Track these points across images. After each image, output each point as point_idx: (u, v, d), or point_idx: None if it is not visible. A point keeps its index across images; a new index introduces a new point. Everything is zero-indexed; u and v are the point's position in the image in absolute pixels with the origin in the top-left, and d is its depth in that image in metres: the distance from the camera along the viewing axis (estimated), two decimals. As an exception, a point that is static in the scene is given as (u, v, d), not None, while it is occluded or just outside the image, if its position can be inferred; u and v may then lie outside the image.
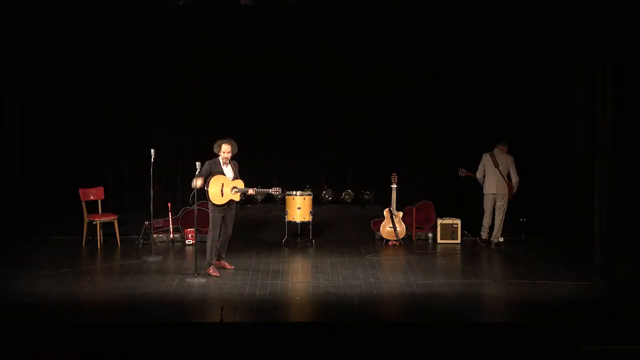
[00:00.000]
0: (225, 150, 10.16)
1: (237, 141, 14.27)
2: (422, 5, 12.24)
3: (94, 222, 11.63)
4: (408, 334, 7.95)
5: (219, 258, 10.35)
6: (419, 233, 12.45)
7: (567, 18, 11.31)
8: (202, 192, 13.15)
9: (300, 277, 10.14)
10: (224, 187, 10.08)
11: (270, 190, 10.54)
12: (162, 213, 12.17)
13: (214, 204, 10.10)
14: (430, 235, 12.40)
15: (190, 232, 11.95)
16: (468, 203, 12.42)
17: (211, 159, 10.27)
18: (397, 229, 11.96)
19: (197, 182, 9.96)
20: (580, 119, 11.86)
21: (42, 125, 12.55)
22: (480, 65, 12.99)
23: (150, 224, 11.64)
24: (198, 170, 10.04)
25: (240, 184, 10.24)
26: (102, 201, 11.86)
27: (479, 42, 12.88)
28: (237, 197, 10.21)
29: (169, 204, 12.18)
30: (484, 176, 11.85)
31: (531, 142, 12.90)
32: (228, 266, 10.38)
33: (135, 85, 13.30)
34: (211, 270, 10.04)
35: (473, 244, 12.06)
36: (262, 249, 11.63)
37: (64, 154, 13.02)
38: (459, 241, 12.12)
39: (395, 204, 11.97)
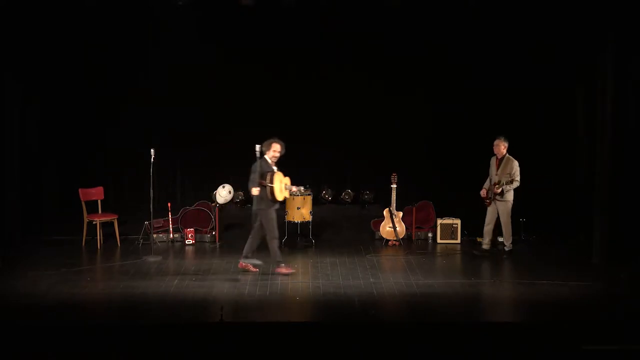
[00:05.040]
0: (276, 150, 10.07)
1: (238, 141, 14.34)
2: (422, 6, 12.26)
3: (94, 222, 11.63)
4: (408, 334, 7.95)
5: (246, 258, 10.21)
6: (419, 233, 12.44)
7: (567, 18, 11.30)
8: (196, 193, 13.26)
9: (300, 277, 10.14)
10: (282, 184, 10.05)
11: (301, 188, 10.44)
12: (162, 213, 12.16)
13: (271, 202, 9.93)
14: (430, 235, 12.38)
15: (190, 232, 11.95)
16: (468, 203, 12.42)
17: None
18: (397, 229, 11.96)
19: (254, 190, 9.89)
20: (580, 119, 11.86)
21: (43, 126, 12.55)
22: (479, 65, 12.99)
23: (150, 224, 11.64)
24: (259, 154, 9.89)
25: (288, 181, 10.20)
26: (102, 201, 11.86)
27: (478, 42, 12.89)
28: (287, 195, 10.22)
29: (169, 204, 12.17)
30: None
31: (531, 142, 12.89)
32: (252, 269, 10.25)
33: (135, 86, 13.32)
34: (284, 270, 10.03)
35: (473, 244, 12.02)
36: (262, 249, 11.61)
37: (64, 154, 13.03)
38: (459, 241, 12.12)
39: (395, 204, 11.97)
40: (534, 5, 11.59)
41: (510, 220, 11.12)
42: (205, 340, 7.80)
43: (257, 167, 9.90)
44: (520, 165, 11.71)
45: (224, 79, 13.37)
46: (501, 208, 11.09)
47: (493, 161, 11.23)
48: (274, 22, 12.87)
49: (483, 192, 11.27)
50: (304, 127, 13.63)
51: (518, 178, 10.95)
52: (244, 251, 10.22)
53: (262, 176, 9.88)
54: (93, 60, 12.95)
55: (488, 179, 11.26)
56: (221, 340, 7.76)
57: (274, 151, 10.06)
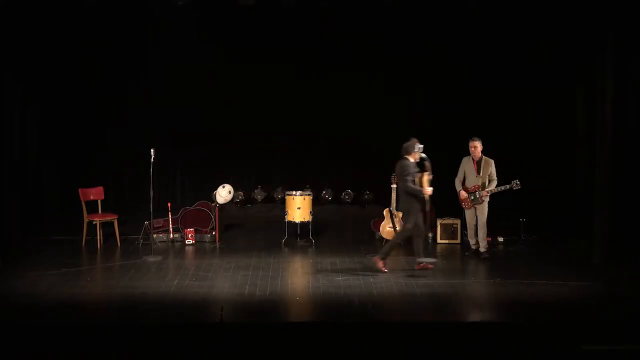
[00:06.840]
0: (420, 151, 10.20)
1: (239, 141, 14.35)
2: (422, 6, 12.26)
3: (94, 222, 11.62)
4: (408, 334, 7.95)
5: (385, 256, 10.25)
6: (419, 233, 12.42)
7: (567, 18, 11.31)
8: (196, 193, 13.26)
9: (300, 277, 10.13)
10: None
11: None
12: (162, 213, 12.16)
13: (418, 200, 10.10)
14: (430, 235, 12.37)
15: (190, 232, 11.94)
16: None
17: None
18: (397, 229, 11.94)
19: (429, 190, 10.13)
20: (580, 119, 11.86)
21: (42, 126, 12.57)
22: (479, 65, 13.00)
23: (150, 224, 11.64)
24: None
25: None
26: (102, 201, 11.86)
27: (478, 42, 12.90)
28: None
29: (169, 204, 12.18)
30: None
31: (531, 142, 12.89)
32: (430, 266, 10.33)
33: (136, 86, 13.34)
34: (426, 265, 10.18)
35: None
36: (262, 249, 11.62)
37: (64, 154, 13.03)
38: (458, 241, 12.11)
39: (395, 204, 11.96)
40: (534, 5, 11.60)
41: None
42: (205, 340, 7.80)
43: (409, 167, 10.11)
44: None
45: (224, 79, 13.39)
46: (480, 209, 10.94)
47: (469, 162, 11.05)
48: (274, 22, 12.89)
49: (463, 194, 11.06)
50: (304, 127, 13.65)
51: (496, 177, 10.92)
52: (417, 254, 10.26)
53: (414, 176, 10.09)
54: (93, 60, 12.96)
55: (459, 181, 11.10)
56: (221, 340, 7.76)
57: (420, 153, 10.20)
